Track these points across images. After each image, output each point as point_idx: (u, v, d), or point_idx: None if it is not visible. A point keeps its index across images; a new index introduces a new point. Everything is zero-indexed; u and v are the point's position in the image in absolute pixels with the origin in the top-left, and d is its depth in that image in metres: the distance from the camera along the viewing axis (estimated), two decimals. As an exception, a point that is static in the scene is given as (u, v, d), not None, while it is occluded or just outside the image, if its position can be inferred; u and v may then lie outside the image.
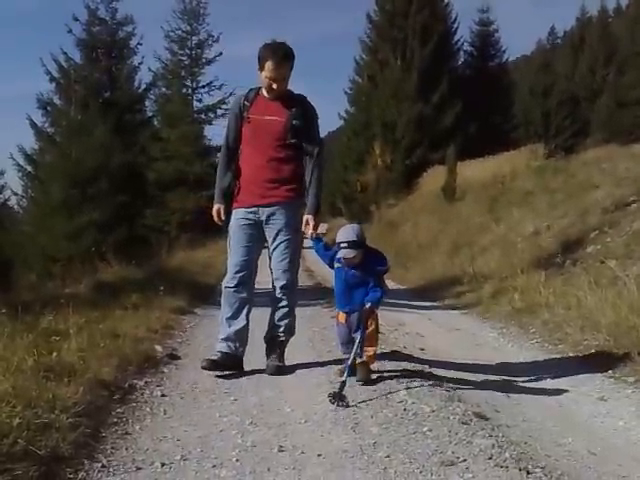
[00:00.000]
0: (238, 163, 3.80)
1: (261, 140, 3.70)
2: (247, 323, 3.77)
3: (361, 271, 3.37)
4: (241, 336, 3.75)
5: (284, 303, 3.80)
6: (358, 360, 3.36)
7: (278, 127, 3.68)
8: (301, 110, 3.72)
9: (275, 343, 3.83)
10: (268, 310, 3.88)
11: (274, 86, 3.64)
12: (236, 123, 3.79)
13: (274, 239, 3.73)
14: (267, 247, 3.85)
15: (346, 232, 3.40)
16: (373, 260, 3.41)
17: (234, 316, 3.75)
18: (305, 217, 3.67)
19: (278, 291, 3.77)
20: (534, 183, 14.63)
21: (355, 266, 3.37)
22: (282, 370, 3.74)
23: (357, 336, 3.32)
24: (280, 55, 3.61)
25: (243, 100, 3.77)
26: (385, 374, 3.59)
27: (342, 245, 3.32)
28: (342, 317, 3.51)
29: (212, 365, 3.66)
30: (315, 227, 3.65)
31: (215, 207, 3.82)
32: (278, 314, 3.82)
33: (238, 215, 3.76)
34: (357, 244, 3.33)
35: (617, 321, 4.74)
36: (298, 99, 3.77)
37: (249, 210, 3.74)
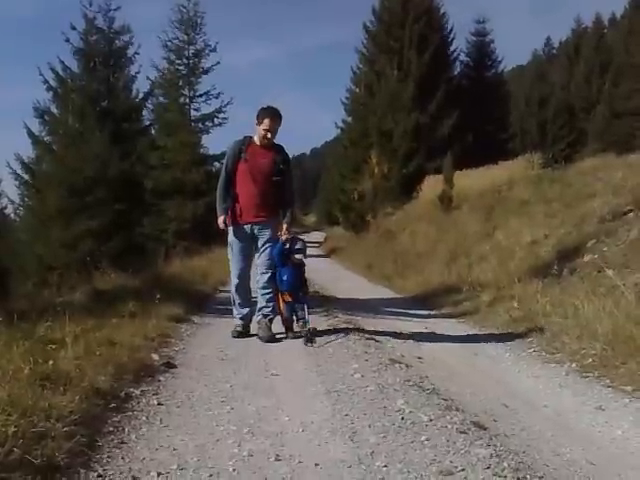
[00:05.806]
0: (235, 189, 5.19)
1: (255, 176, 5.13)
2: (251, 306, 5.38)
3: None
4: (250, 314, 5.39)
5: (270, 290, 5.21)
6: (289, 322, 5.21)
7: (268, 168, 5.15)
8: (282, 156, 5.23)
9: (265, 319, 5.20)
10: None
11: (268, 136, 5.10)
12: (234, 159, 5.20)
13: (262, 245, 5.22)
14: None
15: (301, 244, 5.20)
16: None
17: (243, 301, 5.40)
18: (283, 224, 5.17)
19: (264, 280, 5.20)
20: (531, 192, 14.63)
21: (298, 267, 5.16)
22: (273, 338, 5.09)
23: (305, 306, 5.04)
24: (274, 114, 5.12)
25: (240, 144, 5.19)
26: (382, 382, 3.58)
27: (300, 251, 5.12)
28: (291, 297, 5.10)
29: (238, 334, 5.32)
30: (285, 234, 5.14)
31: (221, 218, 5.23)
32: (266, 297, 5.22)
33: (239, 230, 5.24)
34: (305, 253, 5.18)
35: (614, 330, 4.73)
36: (279, 148, 5.24)
37: (246, 226, 5.22)
